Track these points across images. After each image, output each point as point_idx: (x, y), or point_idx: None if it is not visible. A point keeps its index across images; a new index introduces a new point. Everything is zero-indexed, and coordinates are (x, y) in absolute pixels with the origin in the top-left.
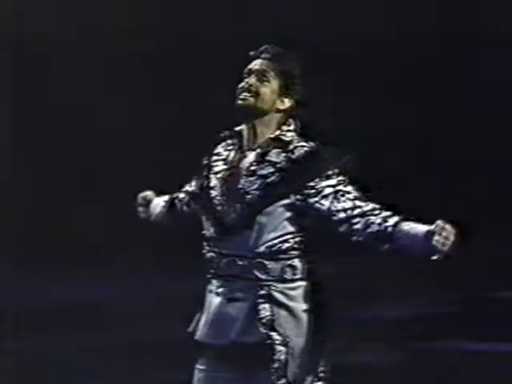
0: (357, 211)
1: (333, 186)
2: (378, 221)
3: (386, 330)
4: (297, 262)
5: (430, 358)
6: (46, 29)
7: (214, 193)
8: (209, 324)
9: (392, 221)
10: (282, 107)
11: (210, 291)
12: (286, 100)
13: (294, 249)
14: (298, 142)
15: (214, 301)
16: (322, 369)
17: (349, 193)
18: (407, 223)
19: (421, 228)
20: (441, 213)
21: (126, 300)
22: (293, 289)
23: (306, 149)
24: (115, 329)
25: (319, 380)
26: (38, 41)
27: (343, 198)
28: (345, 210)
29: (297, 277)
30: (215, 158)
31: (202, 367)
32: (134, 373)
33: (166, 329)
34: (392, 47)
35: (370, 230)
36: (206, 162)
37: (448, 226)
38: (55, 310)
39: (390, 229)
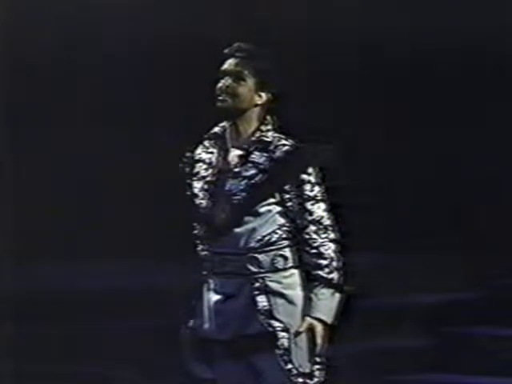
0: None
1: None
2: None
3: (421, 315)
4: (287, 252)
5: (462, 342)
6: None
7: (200, 198)
8: (210, 320)
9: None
10: (260, 102)
11: (208, 289)
12: (263, 94)
13: (283, 239)
14: (279, 141)
15: (212, 298)
16: (319, 354)
17: (308, 200)
18: (321, 292)
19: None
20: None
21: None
22: (286, 277)
23: (286, 147)
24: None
25: (317, 364)
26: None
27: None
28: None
29: (289, 265)
30: (197, 163)
31: (205, 362)
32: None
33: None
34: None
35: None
36: (187, 169)
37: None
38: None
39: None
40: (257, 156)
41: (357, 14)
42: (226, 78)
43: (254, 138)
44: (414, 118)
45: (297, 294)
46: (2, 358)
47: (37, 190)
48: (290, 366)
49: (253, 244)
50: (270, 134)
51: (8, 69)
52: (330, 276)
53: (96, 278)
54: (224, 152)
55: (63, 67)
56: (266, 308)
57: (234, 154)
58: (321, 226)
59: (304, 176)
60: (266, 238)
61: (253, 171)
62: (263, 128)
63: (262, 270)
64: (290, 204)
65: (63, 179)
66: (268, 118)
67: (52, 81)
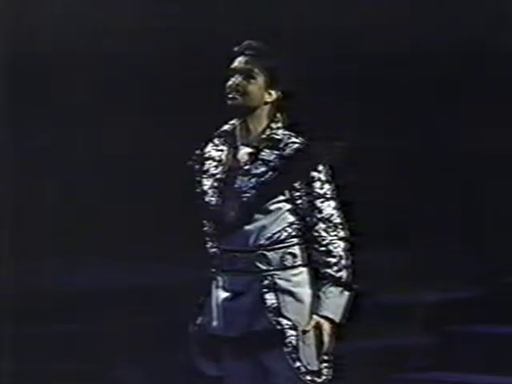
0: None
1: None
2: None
3: (425, 313)
4: (296, 250)
5: (468, 340)
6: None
7: (210, 195)
8: (219, 317)
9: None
10: (269, 100)
11: (217, 286)
12: (273, 92)
13: (292, 237)
14: (289, 139)
15: (221, 295)
16: (326, 352)
17: (318, 197)
18: (330, 290)
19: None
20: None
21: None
22: (295, 275)
23: (296, 145)
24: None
25: (324, 362)
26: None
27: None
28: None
29: (297, 263)
30: (207, 161)
31: (213, 359)
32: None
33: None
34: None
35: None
36: (196, 166)
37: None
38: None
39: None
40: (267, 154)
41: (358, 12)
42: (236, 75)
43: (264, 136)
44: (418, 117)
45: (305, 291)
46: (2, 358)
47: (37, 189)
48: (298, 363)
49: (262, 241)
50: (280, 131)
51: (8, 69)
52: (339, 274)
53: (96, 277)
54: (234, 150)
55: (63, 67)
56: (274, 306)
57: (244, 151)
58: (330, 224)
59: (314, 173)
60: (276, 236)
61: (263, 169)
62: (273, 126)
63: (271, 268)
64: (299, 202)
65: (63, 179)
66: (278, 115)
67: (52, 80)
